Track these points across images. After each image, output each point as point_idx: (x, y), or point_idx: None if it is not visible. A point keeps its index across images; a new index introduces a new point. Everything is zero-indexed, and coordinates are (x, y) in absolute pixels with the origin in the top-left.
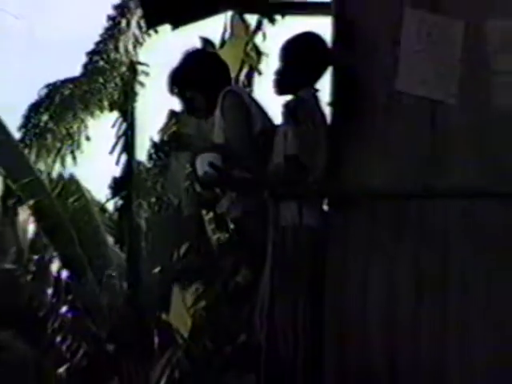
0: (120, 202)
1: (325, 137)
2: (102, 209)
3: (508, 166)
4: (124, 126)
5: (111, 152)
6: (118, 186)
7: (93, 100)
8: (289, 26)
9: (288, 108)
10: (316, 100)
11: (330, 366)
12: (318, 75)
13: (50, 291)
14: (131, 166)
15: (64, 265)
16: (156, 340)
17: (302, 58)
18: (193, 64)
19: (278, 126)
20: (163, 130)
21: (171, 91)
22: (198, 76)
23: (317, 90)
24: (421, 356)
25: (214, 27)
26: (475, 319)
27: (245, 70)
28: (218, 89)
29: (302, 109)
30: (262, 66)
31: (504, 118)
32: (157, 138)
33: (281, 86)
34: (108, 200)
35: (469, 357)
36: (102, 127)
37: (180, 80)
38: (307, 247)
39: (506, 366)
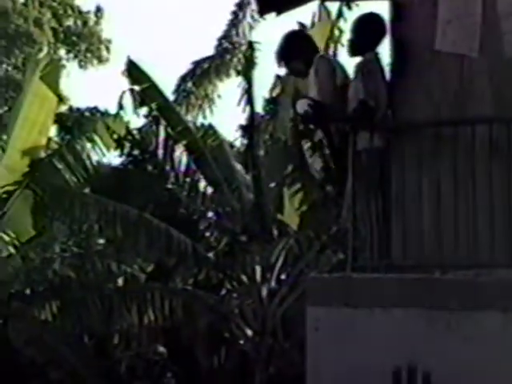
0: (245, 141)
1: (384, 86)
2: (231, 145)
3: None
4: (246, 86)
5: (238, 104)
6: (244, 129)
7: (222, 70)
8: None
9: (358, 67)
10: (378, 60)
11: (396, 237)
12: (378, 42)
13: (199, 201)
14: (253, 114)
15: (209, 183)
16: (275, 232)
17: (366, 30)
18: (293, 41)
19: (351, 81)
20: (272, 89)
21: (279, 63)
22: (298, 50)
23: (377, 53)
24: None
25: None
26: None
27: (331, 45)
28: (312, 57)
29: (366, 66)
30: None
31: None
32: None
33: (352, 50)
34: (236, 139)
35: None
36: (229, 89)
37: (286, 54)
38: (376, 163)
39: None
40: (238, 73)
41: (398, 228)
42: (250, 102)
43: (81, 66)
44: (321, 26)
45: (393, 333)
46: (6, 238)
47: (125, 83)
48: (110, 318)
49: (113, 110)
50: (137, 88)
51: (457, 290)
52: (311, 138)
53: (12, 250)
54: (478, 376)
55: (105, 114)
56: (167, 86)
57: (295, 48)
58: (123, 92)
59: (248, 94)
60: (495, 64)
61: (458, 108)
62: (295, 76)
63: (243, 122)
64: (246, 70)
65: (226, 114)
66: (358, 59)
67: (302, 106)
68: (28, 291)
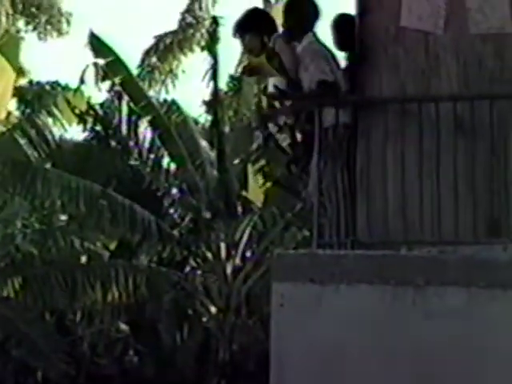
0: (209, 117)
1: (335, 61)
2: (196, 122)
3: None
4: (211, 62)
5: (203, 80)
6: (208, 105)
7: (186, 45)
8: None
9: (304, 51)
10: (318, 40)
11: (361, 214)
12: (314, 22)
13: (163, 178)
14: (217, 90)
15: (173, 159)
16: (239, 209)
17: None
18: (252, 16)
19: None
20: (238, 64)
21: (234, 35)
22: (256, 25)
23: (315, 33)
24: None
25: None
26: None
27: None
28: (270, 35)
29: (311, 48)
30: None
31: (476, 39)
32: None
33: (289, 36)
34: (200, 115)
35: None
36: (192, 64)
37: (242, 26)
38: (343, 139)
39: None
40: (203, 48)
41: (364, 204)
42: (214, 77)
43: (40, 39)
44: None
45: (358, 309)
46: None
47: (85, 57)
48: (72, 294)
49: (74, 84)
50: (101, 62)
51: (422, 266)
52: (276, 119)
53: None
54: (442, 351)
55: (66, 88)
56: (130, 60)
57: (253, 22)
58: (86, 66)
59: (213, 69)
60: (460, 41)
61: (423, 85)
62: (248, 52)
63: (207, 97)
64: (211, 46)
65: (189, 89)
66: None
67: (273, 83)
68: None
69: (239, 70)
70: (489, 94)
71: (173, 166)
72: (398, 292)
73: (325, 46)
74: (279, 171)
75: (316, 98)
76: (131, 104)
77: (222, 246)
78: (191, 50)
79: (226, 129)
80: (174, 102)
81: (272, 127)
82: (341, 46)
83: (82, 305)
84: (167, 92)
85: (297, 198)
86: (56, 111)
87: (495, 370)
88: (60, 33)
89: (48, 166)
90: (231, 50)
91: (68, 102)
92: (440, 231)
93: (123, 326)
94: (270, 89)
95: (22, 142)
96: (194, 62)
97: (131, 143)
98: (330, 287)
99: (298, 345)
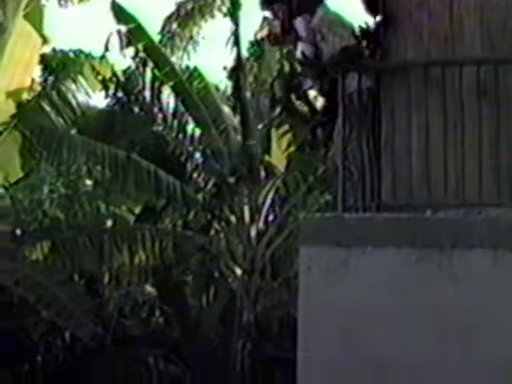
0: (231, 83)
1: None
2: (217, 88)
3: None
4: (232, 28)
5: (226, 46)
6: (231, 71)
7: (207, 11)
8: None
9: (320, 24)
10: (330, 10)
11: (386, 177)
12: None
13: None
14: (239, 56)
15: (197, 125)
16: (262, 174)
17: None
18: None
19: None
20: (259, 31)
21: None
22: None
23: (326, 4)
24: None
25: None
26: None
27: None
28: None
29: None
30: None
31: (501, 2)
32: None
33: (304, 10)
34: (221, 81)
35: None
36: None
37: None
38: (367, 103)
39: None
40: (225, 14)
41: (388, 168)
42: (236, 43)
43: (60, 5)
44: None
45: (384, 271)
46: None
47: (105, 24)
48: (100, 257)
49: (96, 51)
50: (123, 29)
51: (447, 228)
52: (299, 89)
53: (1, 190)
54: (469, 312)
55: (89, 55)
56: (151, 27)
57: None
58: (110, 33)
59: (234, 35)
60: (485, 4)
61: (447, 49)
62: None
63: (228, 64)
64: (232, 11)
65: (210, 56)
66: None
67: (301, 49)
68: (18, 232)
69: (260, 35)
70: None
71: (197, 132)
72: (423, 254)
73: (338, 15)
74: (303, 136)
75: (340, 65)
76: (155, 70)
77: (246, 210)
78: (212, 15)
79: (248, 94)
80: (195, 69)
81: (295, 93)
82: (370, 9)
83: (110, 267)
84: (189, 58)
85: (319, 162)
86: (81, 78)
87: None
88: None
89: (73, 132)
90: (252, 16)
91: (93, 69)
92: (464, 194)
93: (150, 289)
94: (298, 55)
95: (48, 108)
96: (215, 28)
97: (155, 109)
98: (356, 250)
99: (324, 305)
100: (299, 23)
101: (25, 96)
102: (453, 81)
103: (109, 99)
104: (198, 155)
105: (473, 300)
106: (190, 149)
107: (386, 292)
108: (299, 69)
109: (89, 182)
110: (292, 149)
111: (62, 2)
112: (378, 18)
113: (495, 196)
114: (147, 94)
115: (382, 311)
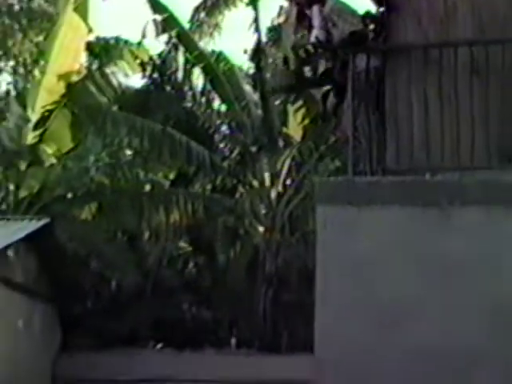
0: (252, 64)
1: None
2: (240, 69)
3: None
4: (253, 15)
5: (248, 31)
6: (252, 54)
7: (231, 1)
8: None
9: (331, 13)
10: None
11: (390, 145)
12: None
13: (214, 117)
14: (259, 41)
15: (222, 101)
16: (281, 143)
17: None
18: None
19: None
20: (277, 16)
21: None
22: None
23: None
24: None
25: None
26: None
27: None
28: None
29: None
30: None
31: None
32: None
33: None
34: (243, 63)
35: None
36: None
37: None
38: (374, 80)
39: None
40: (247, 4)
41: (392, 137)
42: (256, 29)
43: None
44: None
45: (390, 227)
46: (49, 151)
47: (142, 14)
48: (140, 217)
49: (134, 38)
50: (158, 18)
51: (445, 189)
52: (313, 65)
53: (54, 160)
54: (464, 261)
55: (128, 42)
56: (182, 16)
57: None
58: (147, 21)
59: (255, 22)
60: None
61: (442, 32)
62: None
63: (249, 47)
64: (253, 1)
65: (234, 40)
66: None
67: (315, 34)
68: (69, 195)
69: (277, 21)
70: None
71: (222, 108)
72: (425, 212)
73: (345, 4)
74: (316, 109)
75: (350, 47)
76: (186, 54)
77: (266, 175)
78: (235, 5)
79: (267, 74)
80: (221, 53)
81: (308, 70)
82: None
83: (149, 226)
84: (215, 43)
85: (329, 132)
86: (121, 62)
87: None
88: None
89: (115, 109)
90: (271, 5)
91: (132, 54)
92: (459, 159)
93: (184, 244)
94: (312, 39)
95: (93, 89)
96: (238, 17)
97: (186, 88)
98: (365, 208)
99: (338, 258)
100: (315, 12)
101: (73, 78)
102: (448, 60)
103: (145, 80)
104: (224, 128)
105: (467, 249)
106: (217, 122)
107: (392, 244)
108: (311, 48)
109: (129, 152)
110: (306, 121)
111: None
112: (382, 7)
113: (486, 160)
114: (179, 74)
115: (388, 260)
